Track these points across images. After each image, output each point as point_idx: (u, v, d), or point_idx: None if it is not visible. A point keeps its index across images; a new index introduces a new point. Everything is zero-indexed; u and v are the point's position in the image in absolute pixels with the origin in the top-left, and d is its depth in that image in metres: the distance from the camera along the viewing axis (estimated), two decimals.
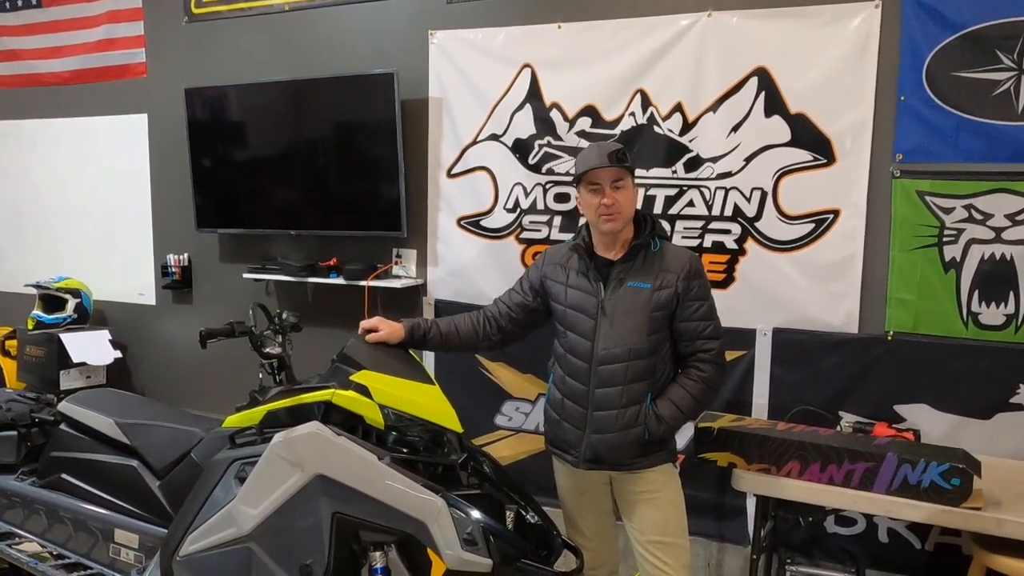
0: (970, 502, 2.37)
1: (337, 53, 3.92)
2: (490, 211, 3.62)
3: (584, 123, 3.39)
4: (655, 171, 3.28)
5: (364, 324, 2.52)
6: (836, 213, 3.02)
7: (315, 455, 2.18)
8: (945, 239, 2.88)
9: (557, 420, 2.48)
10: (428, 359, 3.68)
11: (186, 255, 4.51)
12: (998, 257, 2.82)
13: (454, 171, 3.69)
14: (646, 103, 3.27)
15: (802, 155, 3.05)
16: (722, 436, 2.73)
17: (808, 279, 3.07)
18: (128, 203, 4.68)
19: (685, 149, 3.22)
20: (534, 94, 3.47)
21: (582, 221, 2.50)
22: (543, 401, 2.69)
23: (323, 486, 2.17)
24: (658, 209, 3.28)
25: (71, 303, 4.57)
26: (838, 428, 2.90)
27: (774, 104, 3.07)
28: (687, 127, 3.21)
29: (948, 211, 2.86)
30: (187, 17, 4.36)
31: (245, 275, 4.14)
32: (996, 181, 2.79)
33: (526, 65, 3.48)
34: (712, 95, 3.16)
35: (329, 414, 2.29)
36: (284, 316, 2.76)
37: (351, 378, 2.28)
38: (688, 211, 3.25)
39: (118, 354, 4.58)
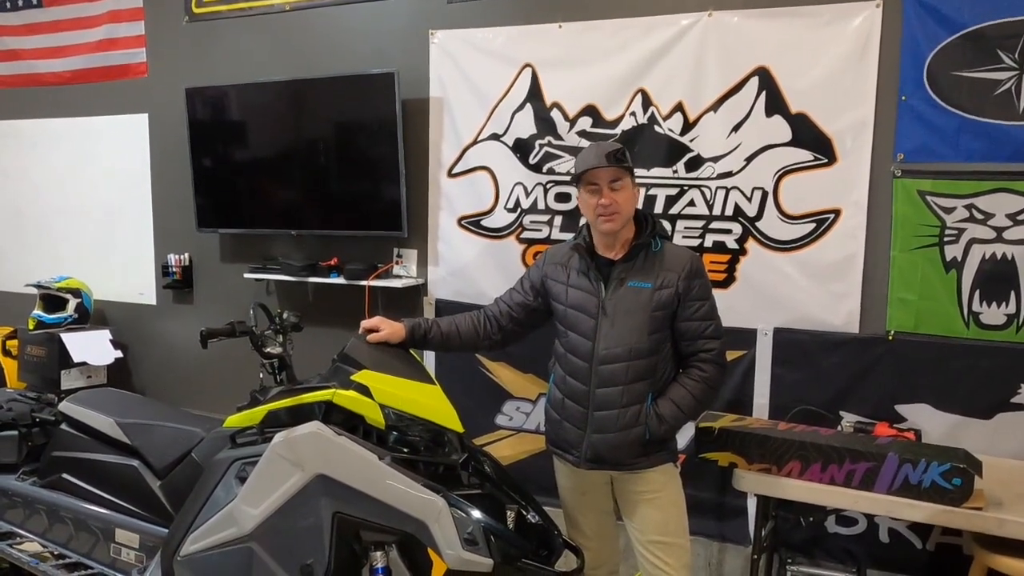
0: (971, 502, 2.37)
1: (338, 53, 3.92)
2: (491, 211, 3.62)
3: (585, 123, 3.38)
4: (656, 171, 3.28)
5: (365, 324, 2.52)
6: (837, 213, 3.02)
7: (316, 455, 2.18)
8: (946, 239, 2.87)
9: (558, 420, 2.48)
10: (428, 359, 3.68)
11: (187, 255, 4.51)
12: (999, 257, 2.82)
13: (455, 171, 3.69)
14: (647, 103, 3.27)
15: (803, 155, 3.05)
16: (723, 436, 2.73)
17: (809, 279, 3.07)
18: (129, 203, 4.68)
19: (686, 149, 3.22)
20: (535, 94, 3.47)
21: (583, 221, 2.49)
22: (544, 401, 2.69)
23: (324, 486, 2.17)
24: (659, 209, 3.28)
25: (72, 303, 4.58)
26: (839, 428, 2.90)
27: (775, 104, 3.07)
28: (688, 127, 3.21)
29: (949, 211, 2.86)
30: (188, 17, 4.36)
31: (246, 275, 4.14)
32: (997, 181, 2.79)
33: (527, 65, 3.48)
34: (713, 95, 3.16)
35: (330, 414, 2.28)
36: (285, 316, 2.76)
37: (352, 378, 2.28)
38: (689, 211, 3.25)
39: (119, 354, 4.58)
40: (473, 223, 3.67)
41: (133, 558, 2.68)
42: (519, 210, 3.56)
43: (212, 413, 3.13)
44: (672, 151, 3.24)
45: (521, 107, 3.50)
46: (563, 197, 3.45)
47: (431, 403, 2.29)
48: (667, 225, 3.26)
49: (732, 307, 3.04)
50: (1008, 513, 2.35)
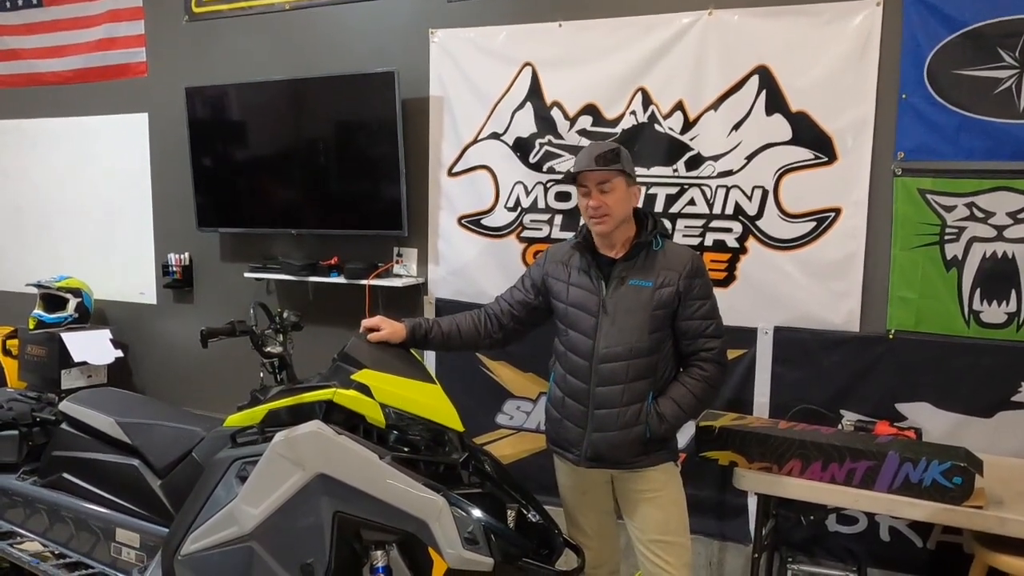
0: (972, 501, 2.37)
1: (338, 52, 3.92)
2: (491, 210, 3.62)
3: (585, 122, 3.38)
4: (656, 170, 3.27)
5: (366, 323, 2.52)
6: (837, 211, 3.02)
7: (316, 454, 2.18)
8: (946, 237, 2.87)
9: (558, 418, 2.48)
10: (429, 358, 3.68)
11: (187, 254, 4.51)
12: (999, 255, 2.82)
13: (455, 170, 3.69)
14: (647, 102, 3.27)
15: (803, 153, 3.05)
16: (723, 435, 2.73)
17: (809, 277, 3.07)
18: (129, 202, 4.68)
19: (686, 147, 3.22)
20: (535, 93, 3.47)
21: (583, 220, 2.49)
22: (544, 400, 2.69)
23: (324, 485, 2.17)
24: (659, 208, 3.27)
25: (72, 302, 4.58)
26: (839, 427, 2.90)
27: (775, 102, 3.06)
28: (688, 125, 3.21)
29: (949, 209, 2.86)
30: (187, 16, 4.36)
31: (246, 274, 4.14)
32: (997, 179, 2.79)
33: (527, 64, 3.48)
34: (713, 93, 3.15)
35: (330, 413, 2.28)
36: (285, 315, 2.76)
37: (352, 377, 2.28)
38: (689, 210, 3.25)
39: (119, 353, 4.58)
40: (473, 222, 3.67)
41: (134, 557, 2.68)
42: (519, 209, 3.56)
43: (212, 412, 3.13)
44: (672, 150, 3.24)
45: (521, 106, 3.50)
46: (563, 196, 3.45)
47: (431, 402, 2.29)
48: (667, 224, 3.25)
49: (732, 306, 3.04)
50: (1009, 512, 2.35)
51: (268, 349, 2.68)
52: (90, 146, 4.79)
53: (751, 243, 3.16)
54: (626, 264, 2.38)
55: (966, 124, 2.82)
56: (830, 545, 3.11)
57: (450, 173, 3.70)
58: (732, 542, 3.27)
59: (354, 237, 3.92)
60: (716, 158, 3.18)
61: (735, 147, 3.14)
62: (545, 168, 3.48)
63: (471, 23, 3.58)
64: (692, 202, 3.24)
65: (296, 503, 2.20)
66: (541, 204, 3.51)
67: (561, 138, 3.43)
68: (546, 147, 3.46)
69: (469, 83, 3.60)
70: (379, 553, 2.15)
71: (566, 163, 3.39)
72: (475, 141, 3.62)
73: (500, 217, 3.60)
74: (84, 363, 4.44)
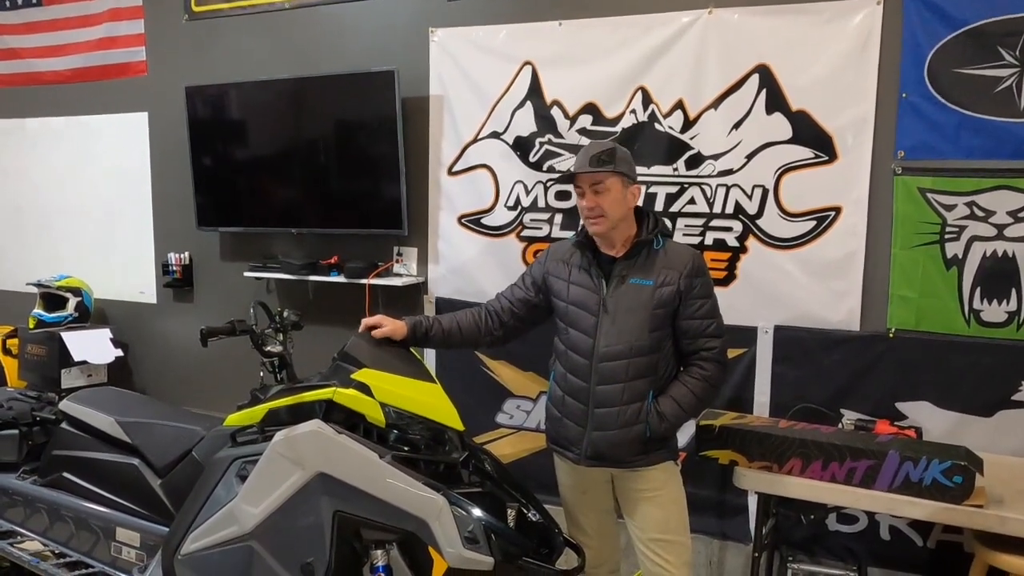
0: (972, 500, 2.36)
1: (338, 51, 3.92)
2: (491, 209, 3.62)
3: (585, 121, 3.38)
4: (656, 169, 3.27)
5: (366, 322, 2.52)
6: (837, 210, 3.01)
7: (316, 453, 2.18)
8: (947, 236, 2.87)
9: (558, 417, 2.48)
10: (429, 357, 3.68)
11: (187, 253, 4.51)
12: (1000, 254, 2.82)
13: (455, 169, 3.69)
14: (647, 100, 3.27)
15: (803, 152, 3.04)
16: (723, 434, 2.73)
17: (809, 276, 3.07)
18: (129, 202, 4.68)
19: (686, 146, 3.22)
20: (535, 92, 3.47)
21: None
22: (544, 399, 2.69)
23: (324, 484, 2.17)
24: (659, 207, 3.27)
25: (72, 302, 4.58)
26: (840, 426, 2.90)
27: (775, 101, 3.06)
28: (688, 124, 3.21)
29: (950, 208, 2.86)
30: (187, 15, 4.36)
31: (246, 273, 4.14)
32: (998, 178, 2.78)
33: (527, 63, 3.47)
34: (713, 92, 3.15)
35: (330, 412, 2.28)
36: (285, 314, 2.76)
37: (352, 376, 2.28)
38: (689, 209, 3.24)
39: (119, 353, 4.58)
40: (473, 221, 3.67)
41: (134, 557, 2.68)
42: (519, 208, 3.56)
43: (212, 412, 3.13)
44: (672, 149, 3.24)
45: (521, 105, 3.49)
46: (563, 195, 3.45)
47: (432, 401, 2.29)
48: (667, 223, 3.25)
49: (732, 305, 3.03)
50: (1009, 511, 2.34)
51: (268, 348, 2.68)
52: (90, 145, 4.78)
53: (751, 242, 3.16)
54: (627, 263, 2.38)
55: (966, 123, 2.82)
56: (830, 544, 3.11)
57: (450, 172, 3.70)
58: (732, 541, 3.27)
59: (354, 236, 3.92)
60: (716, 157, 3.17)
61: (735, 146, 3.14)
62: (545, 167, 3.47)
63: (471, 22, 3.58)
64: (692, 201, 3.24)
65: (296, 502, 2.20)
66: (541, 203, 3.51)
67: (561, 137, 3.43)
68: (546, 146, 3.46)
69: (469, 82, 3.60)
70: (379, 552, 2.15)
71: (566, 162, 3.39)
72: (475, 140, 3.62)
73: (500, 216, 3.60)
74: (84, 362, 4.44)
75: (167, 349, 4.67)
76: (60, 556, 2.81)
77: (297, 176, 3.98)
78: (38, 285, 4.62)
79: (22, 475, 2.99)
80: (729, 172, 3.16)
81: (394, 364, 2.35)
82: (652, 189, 3.28)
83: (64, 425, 2.94)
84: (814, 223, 3.05)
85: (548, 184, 3.48)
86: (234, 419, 2.50)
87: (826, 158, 3.01)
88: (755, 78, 3.08)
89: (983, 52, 2.77)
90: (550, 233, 3.49)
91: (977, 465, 2.40)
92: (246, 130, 4.11)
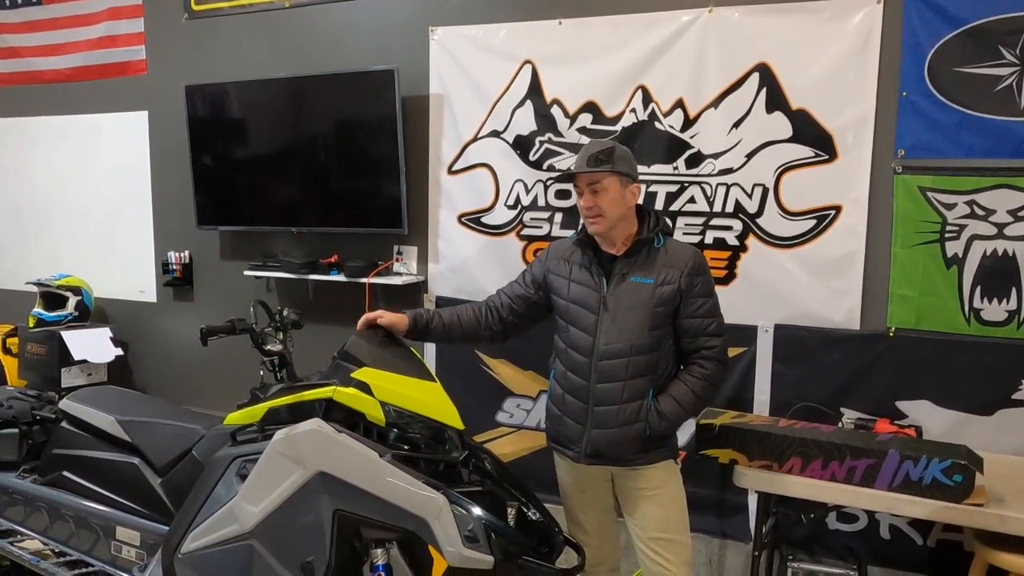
0: (972, 498, 2.36)
1: (338, 50, 3.91)
2: (491, 208, 3.62)
3: (585, 119, 3.38)
4: (656, 167, 3.27)
5: (367, 316, 2.53)
6: (838, 209, 3.01)
7: (316, 452, 2.18)
8: (947, 235, 2.87)
9: (558, 415, 2.48)
10: (429, 356, 3.68)
11: (187, 252, 4.50)
12: (1000, 253, 2.82)
13: (455, 168, 3.69)
14: (647, 99, 3.27)
15: (804, 151, 3.04)
16: (724, 433, 2.73)
17: (810, 275, 3.07)
18: (129, 200, 4.67)
19: (686, 145, 3.22)
20: (535, 90, 3.47)
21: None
22: (544, 398, 2.68)
23: (324, 483, 2.17)
24: (659, 206, 3.27)
25: (72, 301, 4.57)
26: (840, 425, 2.90)
27: (775, 100, 3.06)
28: (688, 123, 3.21)
29: (950, 207, 2.86)
30: (187, 14, 4.36)
31: (246, 272, 4.14)
32: (998, 177, 2.78)
33: (527, 61, 3.47)
34: (713, 91, 3.15)
35: (330, 411, 2.28)
36: (285, 313, 2.76)
37: (352, 375, 2.28)
38: (689, 207, 3.24)
39: (119, 351, 4.58)
40: (473, 220, 3.67)
41: (134, 556, 2.68)
42: (519, 207, 3.55)
43: (212, 411, 3.12)
44: (672, 148, 3.24)
45: (521, 104, 3.49)
46: (563, 194, 3.45)
47: (432, 400, 2.29)
48: (668, 221, 3.25)
49: (732, 304, 3.02)
50: (1009, 509, 2.34)
51: (268, 347, 2.68)
52: (90, 144, 4.78)
53: (751, 241, 3.15)
54: (627, 261, 2.38)
55: (967, 122, 2.82)
56: (830, 543, 3.11)
57: (450, 171, 3.70)
58: (732, 540, 3.27)
59: (354, 235, 3.92)
60: (716, 156, 3.17)
61: (735, 145, 3.14)
62: (545, 166, 3.47)
63: (471, 20, 3.58)
64: (692, 200, 3.23)
65: (296, 501, 2.20)
66: (541, 202, 3.51)
67: (561, 136, 3.43)
68: (546, 145, 3.46)
69: (469, 81, 3.60)
70: (379, 551, 2.15)
71: (566, 161, 3.39)
72: (475, 139, 3.62)
73: (500, 215, 3.60)
74: (84, 361, 4.44)
75: (167, 348, 4.67)
76: (60, 555, 2.81)
77: (297, 175, 3.98)
78: (38, 284, 4.61)
79: (22, 474, 2.99)
80: (729, 171, 3.16)
81: (394, 363, 2.35)
82: (652, 188, 3.28)
83: (64, 424, 2.94)
84: (814, 222, 3.05)
85: (548, 183, 3.48)
86: (234, 418, 2.50)
87: (826, 157, 3.01)
88: (755, 77, 3.08)
89: (983, 51, 2.77)
90: (550, 232, 3.49)
91: (977, 464, 2.40)
92: (246, 129, 4.11)
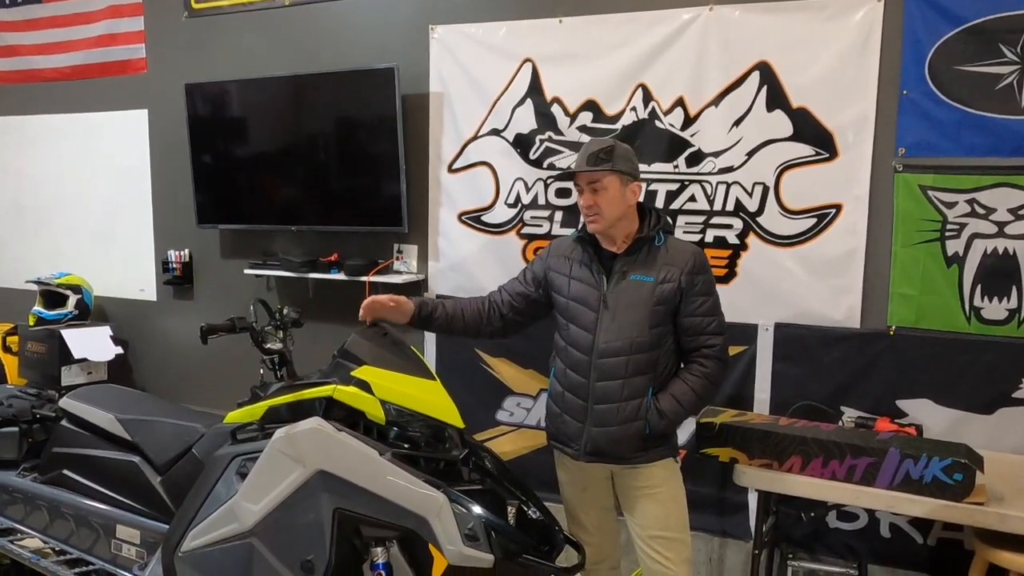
0: (973, 497, 2.36)
1: (338, 48, 3.91)
2: (491, 206, 3.62)
3: (585, 118, 3.38)
4: (656, 166, 3.27)
5: (378, 298, 2.52)
6: (838, 208, 3.01)
7: (316, 451, 2.18)
8: (947, 234, 2.87)
9: (558, 413, 2.48)
10: (429, 354, 3.68)
11: (187, 251, 4.50)
12: (1000, 252, 2.81)
13: (455, 166, 3.69)
14: (648, 98, 3.26)
15: (804, 149, 3.04)
16: (724, 431, 2.73)
17: (810, 274, 3.07)
18: (129, 199, 4.67)
19: (687, 144, 3.21)
20: (535, 89, 3.46)
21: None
22: (544, 396, 2.68)
23: (324, 482, 2.17)
24: (659, 204, 3.27)
25: (72, 299, 4.57)
26: (840, 423, 2.90)
27: (776, 98, 3.06)
28: (689, 122, 3.20)
29: (950, 205, 2.86)
30: (187, 12, 4.35)
31: (246, 271, 4.14)
32: (999, 175, 2.78)
33: (527, 60, 3.47)
34: (714, 89, 3.15)
35: (330, 410, 2.28)
36: (285, 312, 2.76)
37: (352, 374, 2.28)
38: (690, 206, 3.24)
39: (119, 350, 4.58)
40: (473, 218, 3.67)
41: (134, 554, 2.68)
42: (519, 205, 3.55)
43: (212, 409, 3.12)
44: (673, 146, 3.24)
45: (521, 102, 3.49)
46: (563, 192, 3.44)
47: (432, 399, 2.29)
48: (669, 220, 3.25)
49: (733, 302, 3.02)
50: (1009, 508, 2.34)
51: (268, 346, 2.68)
52: (90, 143, 4.78)
53: (752, 239, 3.15)
54: (627, 259, 2.38)
55: (967, 120, 2.81)
56: (830, 541, 3.11)
57: (450, 169, 3.70)
58: (732, 538, 3.27)
59: (354, 233, 3.92)
60: (717, 154, 3.17)
61: (736, 143, 3.13)
62: (545, 164, 3.47)
63: (471, 19, 3.58)
64: (693, 198, 3.23)
65: (296, 500, 2.20)
66: (541, 200, 3.50)
67: (561, 134, 3.42)
68: (546, 143, 3.46)
69: (469, 79, 3.60)
70: (379, 550, 2.15)
71: (566, 159, 3.39)
72: (475, 137, 3.61)
73: (500, 213, 3.60)
74: (84, 360, 4.43)
75: (167, 346, 4.66)
76: (60, 553, 2.82)
77: (297, 173, 3.98)
78: (38, 282, 4.61)
79: (22, 472, 2.99)
80: (729, 169, 3.16)
81: (394, 361, 2.35)
82: (652, 186, 3.27)
83: (64, 422, 2.94)
84: (815, 220, 3.05)
85: (548, 181, 3.47)
86: (234, 416, 2.51)
87: (827, 155, 3.01)
88: (756, 75, 3.08)
89: (984, 49, 2.77)
90: (550, 230, 3.49)
91: (977, 463, 2.40)
92: (246, 127, 4.10)
